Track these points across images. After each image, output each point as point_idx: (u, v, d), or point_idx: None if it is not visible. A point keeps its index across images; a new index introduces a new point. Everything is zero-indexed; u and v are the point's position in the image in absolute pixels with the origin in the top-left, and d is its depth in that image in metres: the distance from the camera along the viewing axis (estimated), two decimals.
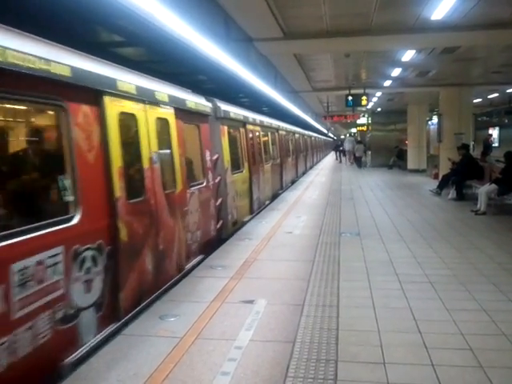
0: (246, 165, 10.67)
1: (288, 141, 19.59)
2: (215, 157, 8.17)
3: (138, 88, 5.11)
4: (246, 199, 10.63)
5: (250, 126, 11.39)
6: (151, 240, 5.25)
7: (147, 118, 5.39)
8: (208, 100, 8.06)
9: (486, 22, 8.91)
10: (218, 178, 8.37)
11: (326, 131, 55.31)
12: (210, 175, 7.74)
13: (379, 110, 28.83)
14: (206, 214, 7.42)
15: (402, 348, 3.88)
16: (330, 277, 5.86)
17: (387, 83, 17.36)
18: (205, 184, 7.45)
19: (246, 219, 10.15)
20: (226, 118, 9.06)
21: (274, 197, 14.34)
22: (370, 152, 30.63)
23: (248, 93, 13.53)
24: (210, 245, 7.53)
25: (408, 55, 12.07)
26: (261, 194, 12.17)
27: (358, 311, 4.72)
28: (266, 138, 14.33)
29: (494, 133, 34.96)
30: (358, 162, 29.76)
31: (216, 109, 8.51)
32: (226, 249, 7.52)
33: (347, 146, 33.88)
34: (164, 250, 5.58)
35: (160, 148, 5.69)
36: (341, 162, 37.14)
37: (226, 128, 9.17)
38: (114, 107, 4.61)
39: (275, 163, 15.38)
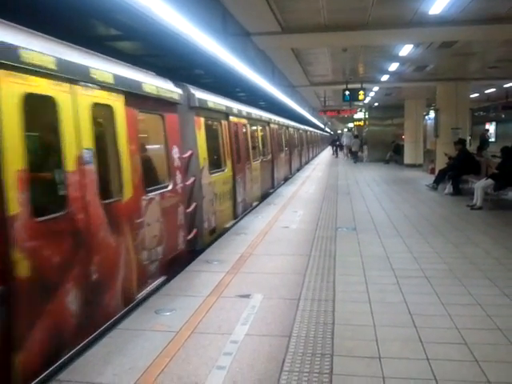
0: (228, 163, 9.27)
1: (281, 135, 18.39)
2: (187, 154, 6.97)
3: (61, 62, 3.79)
4: (229, 202, 9.28)
5: (234, 119, 10.05)
6: (77, 270, 3.93)
7: (77, 104, 4.05)
8: (178, 86, 6.78)
9: (483, 17, 8.90)
10: (192, 179, 7.06)
11: (322, 126, 55.31)
12: (179, 176, 6.40)
13: (376, 104, 28.85)
14: (172, 223, 6.13)
15: (398, 342, 3.89)
16: (326, 271, 5.87)
17: (384, 78, 17.34)
18: (171, 187, 6.08)
19: (227, 225, 8.89)
20: (202, 108, 7.73)
21: (264, 197, 13.14)
22: (366, 147, 30.75)
23: (245, 87, 13.48)
24: (179, 260, 6.25)
25: (405, 50, 12.06)
26: (247, 195, 10.79)
27: (354, 306, 4.73)
28: (254, 132, 13.11)
29: (491, 128, 35.02)
30: (354, 156, 29.91)
31: (189, 96, 7.23)
32: (222, 243, 7.51)
33: (345, 140, 34.25)
34: (99, 280, 4.23)
35: (98, 144, 4.36)
36: (337, 156, 37.53)
37: (202, 120, 7.80)
38: (13, 86, 3.32)
39: (266, 160, 14.09)
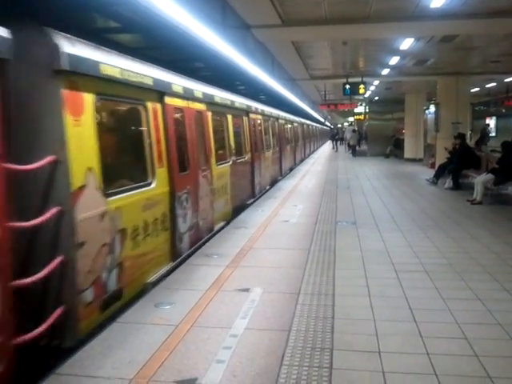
0: (160, 171, 5.71)
1: (268, 128, 15.09)
2: (39, 164, 3.63)
3: None
4: (160, 237, 5.69)
5: (176, 101, 6.48)
6: None
7: None
8: (11, 25, 3.36)
9: (485, 11, 8.87)
10: (51, 212, 3.70)
11: (322, 120, 55.20)
12: None
13: (377, 98, 28.86)
14: None
15: (398, 337, 3.88)
16: (326, 265, 5.86)
17: (385, 72, 17.31)
18: None
19: (156, 277, 5.39)
20: (87, 76, 4.19)
21: (238, 211, 9.74)
22: (365, 141, 30.90)
23: (245, 80, 13.40)
24: None
25: (406, 43, 12.02)
26: (203, 217, 7.29)
27: (354, 300, 4.72)
28: (221, 124, 9.49)
29: (492, 122, 35.00)
30: (352, 150, 30.16)
31: (51, 50, 3.77)
32: (222, 237, 7.49)
33: (348, 135, 34.92)
34: None
35: None
36: (337, 150, 37.80)
37: (87, 98, 4.23)
38: None
39: (241, 161, 10.50)
